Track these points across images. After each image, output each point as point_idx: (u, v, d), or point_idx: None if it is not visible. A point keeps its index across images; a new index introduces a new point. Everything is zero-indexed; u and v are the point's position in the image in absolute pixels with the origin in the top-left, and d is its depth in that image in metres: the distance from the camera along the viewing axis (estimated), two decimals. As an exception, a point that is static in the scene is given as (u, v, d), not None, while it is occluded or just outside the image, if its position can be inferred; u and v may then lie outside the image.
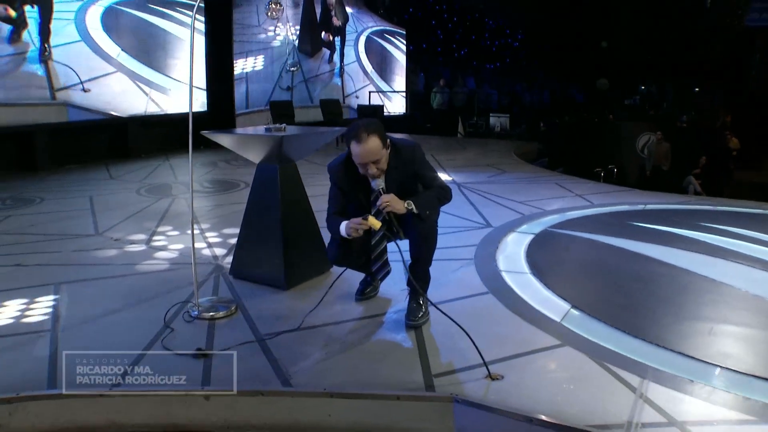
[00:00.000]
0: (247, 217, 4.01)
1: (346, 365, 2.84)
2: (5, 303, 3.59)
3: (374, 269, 3.55)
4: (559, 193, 7.19)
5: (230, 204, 6.50)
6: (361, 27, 16.46)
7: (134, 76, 10.75)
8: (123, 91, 10.56)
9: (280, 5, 3.62)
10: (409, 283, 3.39)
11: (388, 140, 3.12)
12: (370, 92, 15.13)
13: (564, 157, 12.60)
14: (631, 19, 15.45)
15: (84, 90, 9.90)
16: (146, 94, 11.01)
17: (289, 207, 3.86)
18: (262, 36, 13.39)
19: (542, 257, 4.56)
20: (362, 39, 16.54)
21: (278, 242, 3.80)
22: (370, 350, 3.01)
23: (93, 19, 10.03)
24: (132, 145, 10.58)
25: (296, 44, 14.34)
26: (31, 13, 9.02)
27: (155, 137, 11.12)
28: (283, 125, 3.79)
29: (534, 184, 7.95)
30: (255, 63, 13.13)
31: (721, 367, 2.82)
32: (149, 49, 11.01)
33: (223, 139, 3.86)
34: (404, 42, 18.38)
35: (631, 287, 3.99)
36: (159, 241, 5.03)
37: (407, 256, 3.25)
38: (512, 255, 4.62)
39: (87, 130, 9.95)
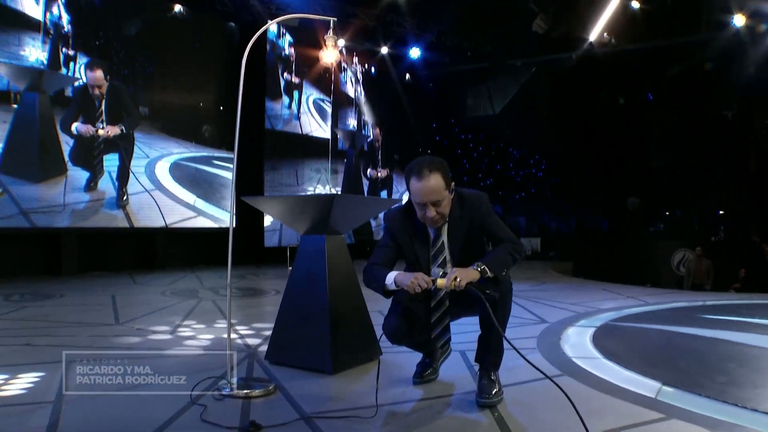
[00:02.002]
0: (288, 294, 3.60)
1: (417, 445, 2.35)
2: (3, 376, 3.17)
3: (434, 335, 3.04)
4: (609, 296, 6.79)
5: (261, 306, 6.17)
6: (403, 189, 16.92)
7: (212, 218, 11.20)
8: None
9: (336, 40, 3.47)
10: (477, 359, 2.93)
11: (453, 184, 2.79)
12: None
13: (598, 275, 12.23)
14: (657, 145, 15.42)
15: (170, 235, 10.19)
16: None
17: (337, 283, 3.46)
18: (300, 194, 13.64)
19: (613, 345, 4.08)
20: (405, 196, 16.97)
21: (324, 321, 3.36)
22: (442, 429, 2.51)
23: (162, 170, 10.58)
24: (158, 257, 10.42)
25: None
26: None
27: (181, 250, 11.01)
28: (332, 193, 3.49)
29: (580, 290, 7.61)
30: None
31: None
32: (211, 190, 11.45)
33: (266, 204, 3.56)
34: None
35: (726, 366, 3.52)
36: (185, 332, 4.60)
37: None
38: (578, 344, 4.15)
39: (114, 238, 9.86)
